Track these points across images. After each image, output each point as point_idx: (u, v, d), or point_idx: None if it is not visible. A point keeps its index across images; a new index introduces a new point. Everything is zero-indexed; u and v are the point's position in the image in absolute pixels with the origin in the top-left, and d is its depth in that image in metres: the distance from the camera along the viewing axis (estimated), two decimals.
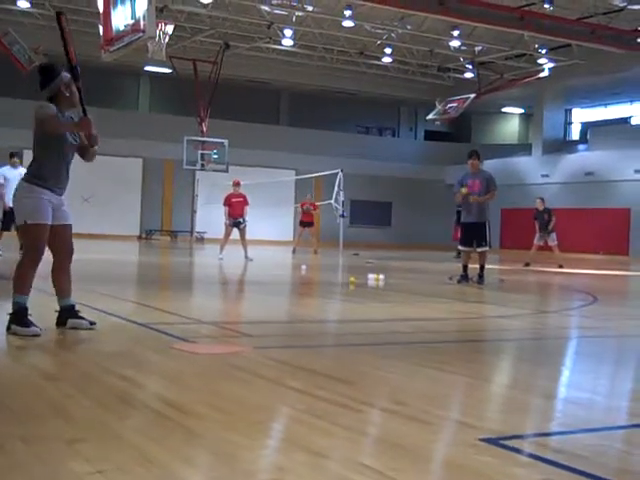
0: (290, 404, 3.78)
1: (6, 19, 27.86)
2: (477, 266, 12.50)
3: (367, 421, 3.53)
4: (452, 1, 25.13)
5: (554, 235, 20.54)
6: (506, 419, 3.66)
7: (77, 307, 5.82)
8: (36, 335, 5.31)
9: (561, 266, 19.63)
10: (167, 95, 37.04)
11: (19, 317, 5.40)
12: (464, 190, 12.33)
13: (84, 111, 5.53)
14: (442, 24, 27.88)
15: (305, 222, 24.89)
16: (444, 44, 30.91)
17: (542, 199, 21.04)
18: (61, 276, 5.78)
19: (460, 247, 12.81)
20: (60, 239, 5.69)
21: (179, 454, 2.83)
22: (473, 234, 12.50)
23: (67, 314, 5.70)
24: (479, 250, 12.53)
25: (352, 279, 12.05)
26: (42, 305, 6.18)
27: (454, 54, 32.45)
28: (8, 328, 5.40)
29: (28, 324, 5.38)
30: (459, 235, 25.77)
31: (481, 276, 12.43)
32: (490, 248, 12.72)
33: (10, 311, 5.47)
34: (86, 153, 5.79)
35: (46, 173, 5.52)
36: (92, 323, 5.72)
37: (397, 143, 42.04)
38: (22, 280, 5.55)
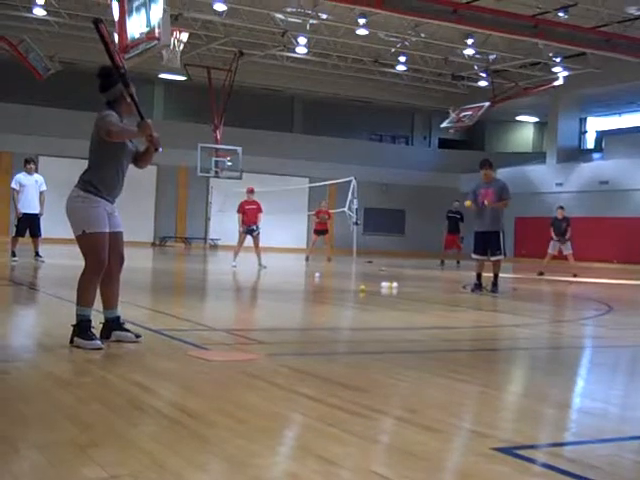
0: (303, 412, 3.78)
1: (22, 27, 28.04)
2: (491, 275, 12.44)
3: (380, 429, 3.53)
4: (466, 9, 25.11)
5: (569, 244, 20.46)
6: (520, 428, 3.64)
7: (123, 319, 5.65)
8: (99, 349, 5.20)
9: (575, 275, 19.54)
10: (181, 102, 37.17)
11: (82, 330, 5.27)
12: (468, 203, 12.39)
13: (140, 114, 5.35)
14: (456, 32, 27.86)
15: (320, 230, 24.87)
16: (458, 52, 30.89)
17: (562, 207, 20.95)
18: (110, 286, 5.57)
19: (474, 256, 12.75)
20: (112, 247, 5.48)
21: (192, 461, 2.84)
22: (487, 243, 12.43)
23: (112, 326, 5.54)
24: (493, 259, 12.45)
25: (362, 287, 12.03)
26: (60, 314, 6.21)
27: (468, 62, 32.41)
28: (71, 341, 5.28)
29: (91, 337, 5.26)
30: (451, 244, 25.87)
31: (495, 285, 12.37)
32: (505, 257, 12.65)
33: (73, 323, 5.33)
34: (142, 159, 5.62)
35: (102, 181, 5.40)
36: (137, 336, 5.54)
37: (411, 151, 42.01)
38: (85, 291, 5.37)
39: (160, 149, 5.49)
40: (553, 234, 20.55)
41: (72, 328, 5.33)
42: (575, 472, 2.87)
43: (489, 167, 12.55)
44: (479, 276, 12.52)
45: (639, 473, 3.00)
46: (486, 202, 12.21)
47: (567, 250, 20.51)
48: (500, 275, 12.65)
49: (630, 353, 6.70)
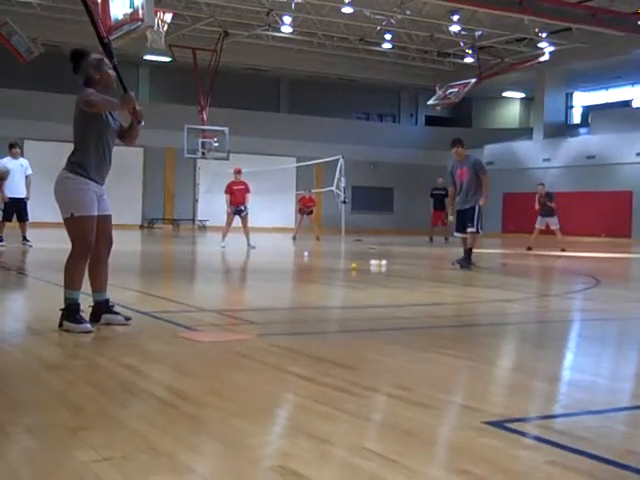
0: (294, 390, 3.80)
1: (4, 9, 27.76)
2: (482, 250, 12.43)
3: (371, 406, 3.55)
4: None
5: (556, 219, 20.50)
6: (510, 402, 3.67)
7: (111, 301, 5.64)
8: (88, 332, 5.18)
9: (564, 249, 19.61)
10: (167, 84, 36.97)
11: (71, 313, 5.24)
12: (452, 219, 12.57)
13: (123, 87, 5.35)
14: (441, 9, 27.78)
15: (304, 210, 24.93)
16: (444, 29, 30.79)
17: (543, 184, 21.03)
18: (99, 269, 5.54)
19: (455, 234, 12.79)
20: (100, 230, 5.44)
21: (184, 442, 2.84)
22: (464, 219, 12.47)
23: (102, 309, 5.53)
24: (468, 231, 12.42)
25: (354, 265, 12.09)
26: (51, 297, 6.19)
27: (454, 39, 32.33)
28: (60, 324, 5.26)
29: (80, 320, 5.23)
30: (436, 221, 26.05)
31: (466, 259, 12.27)
32: (479, 233, 12.57)
33: (62, 307, 5.30)
34: (128, 134, 5.59)
35: (89, 163, 5.35)
36: (127, 318, 5.54)
37: (398, 129, 41.94)
38: (72, 275, 5.33)
39: (142, 122, 5.47)
40: (539, 210, 20.59)
41: (61, 312, 5.31)
42: (566, 444, 2.89)
43: (460, 145, 12.49)
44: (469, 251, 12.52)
45: (629, 444, 3.02)
46: (481, 202, 12.27)
47: (554, 225, 20.55)
48: (489, 251, 12.66)
49: (618, 325, 6.74)
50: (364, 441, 2.93)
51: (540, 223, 20.60)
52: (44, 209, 16.62)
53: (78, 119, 5.40)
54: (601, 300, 8.69)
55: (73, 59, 5.47)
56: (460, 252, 12.94)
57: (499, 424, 3.14)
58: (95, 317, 5.51)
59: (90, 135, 5.39)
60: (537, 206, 20.56)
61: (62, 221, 5.42)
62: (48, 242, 16.90)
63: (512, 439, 2.99)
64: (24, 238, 15.40)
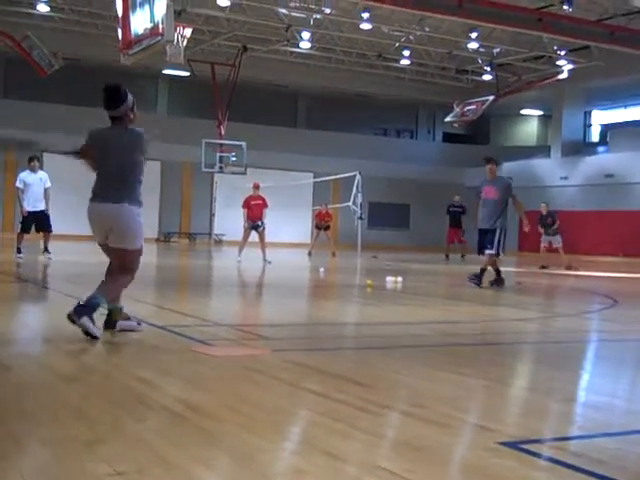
0: (308, 407, 3.79)
1: (26, 23, 28.04)
2: (498, 268, 12.36)
3: (385, 424, 3.53)
4: (470, 3, 25.01)
5: (559, 237, 20.45)
6: (525, 423, 3.64)
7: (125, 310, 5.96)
8: (95, 337, 5.37)
9: (569, 267, 19.53)
10: (185, 98, 37.14)
11: (93, 312, 5.43)
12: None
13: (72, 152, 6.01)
14: (460, 26, 27.80)
15: (321, 225, 24.94)
16: (462, 46, 30.82)
17: (546, 203, 21.01)
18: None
19: (480, 257, 12.73)
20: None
21: (198, 456, 2.84)
22: (484, 240, 12.40)
23: (116, 317, 5.82)
24: (486, 252, 12.33)
25: (369, 282, 12.08)
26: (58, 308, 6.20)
27: (472, 56, 32.35)
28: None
29: (94, 324, 5.51)
30: (453, 238, 25.97)
31: (477, 276, 12.19)
32: (498, 255, 12.47)
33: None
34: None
35: (141, 195, 5.97)
36: (139, 323, 5.90)
37: (415, 145, 41.94)
38: (114, 293, 5.77)
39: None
40: (540, 229, 20.57)
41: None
42: (581, 466, 2.86)
43: (495, 163, 12.57)
44: (498, 271, 12.41)
45: None
46: (526, 229, 12.68)
47: (557, 243, 20.49)
48: (505, 269, 12.58)
49: (635, 347, 6.69)
50: (378, 459, 2.92)
51: (544, 241, 20.61)
52: (63, 222, 16.70)
53: (140, 156, 5.98)
54: (618, 321, 8.63)
55: (113, 94, 5.80)
56: (476, 270, 12.89)
57: (513, 445, 3.12)
58: (110, 324, 5.76)
59: (142, 171, 6.01)
60: (540, 229, 20.48)
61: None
62: (66, 255, 16.98)
63: (526, 460, 2.97)
64: (45, 249, 15.39)
